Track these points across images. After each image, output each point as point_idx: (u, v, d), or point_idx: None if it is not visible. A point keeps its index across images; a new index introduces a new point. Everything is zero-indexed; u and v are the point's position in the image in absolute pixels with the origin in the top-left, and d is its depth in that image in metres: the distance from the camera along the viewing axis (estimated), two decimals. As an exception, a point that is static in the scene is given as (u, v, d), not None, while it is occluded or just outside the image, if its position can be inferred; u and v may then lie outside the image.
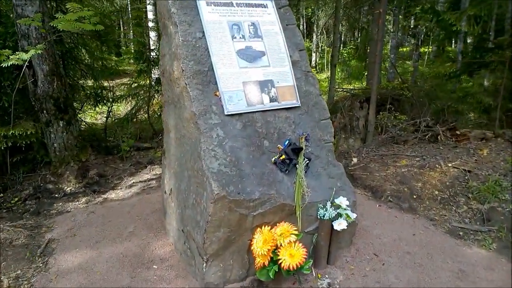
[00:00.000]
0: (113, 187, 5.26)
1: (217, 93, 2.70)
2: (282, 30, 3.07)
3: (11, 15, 4.69)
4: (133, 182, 5.35)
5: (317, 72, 18.38)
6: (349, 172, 5.23)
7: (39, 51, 3.95)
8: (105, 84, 7.22)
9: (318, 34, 19.94)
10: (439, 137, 6.00)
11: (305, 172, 2.91)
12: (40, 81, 4.84)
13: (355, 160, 5.56)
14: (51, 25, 3.80)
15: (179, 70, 2.68)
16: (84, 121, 6.79)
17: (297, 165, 2.86)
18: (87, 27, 3.91)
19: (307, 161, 2.91)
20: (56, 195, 4.97)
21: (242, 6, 2.94)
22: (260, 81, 2.87)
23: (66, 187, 5.13)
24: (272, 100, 2.89)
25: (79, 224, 3.77)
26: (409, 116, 6.93)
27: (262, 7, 3.04)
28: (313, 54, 19.94)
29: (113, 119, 7.97)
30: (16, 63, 3.75)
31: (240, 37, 2.86)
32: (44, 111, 4.98)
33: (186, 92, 2.65)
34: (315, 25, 19.75)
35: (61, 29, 3.66)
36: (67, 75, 5.81)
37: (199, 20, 2.75)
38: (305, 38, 21.36)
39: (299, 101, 3.03)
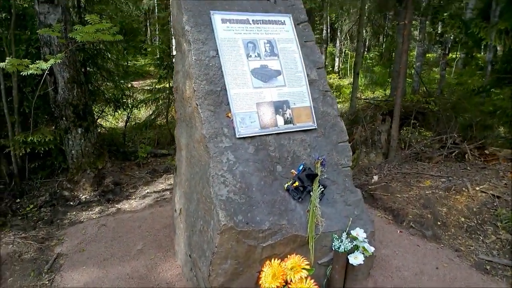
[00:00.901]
0: (127, 196, 5.24)
1: (229, 115, 2.58)
2: (299, 48, 2.92)
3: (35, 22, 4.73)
4: (147, 192, 5.31)
5: (339, 78, 18.04)
6: (369, 191, 5.01)
7: (58, 60, 3.95)
8: (129, 85, 7.24)
9: (342, 39, 19.60)
10: (466, 155, 5.68)
11: (320, 199, 2.75)
12: (61, 88, 4.87)
13: (375, 178, 5.32)
14: (69, 36, 3.79)
15: (191, 89, 2.57)
16: (103, 127, 6.82)
17: (311, 192, 2.70)
18: (107, 37, 3.89)
19: (322, 189, 2.74)
20: (71, 203, 4.99)
21: (258, 23, 2.81)
22: (275, 101, 2.73)
23: (81, 195, 5.14)
24: (287, 122, 2.74)
25: (89, 238, 3.73)
26: (435, 131, 6.60)
27: (280, 24, 2.90)
28: (336, 59, 19.60)
29: (132, 124, 8.02)
30: (35, 72, 3.76)
31: (256, 56, 2.73)
32: (64, 118, 5.01)
33: (197, 113, 2.54)
34: (339, 30, 19.41)
35: (79, 41, 3.63)
36: (88, 81, 5.85)
37: (214, 38, 2.64)
38: (329, 43, 21.04)
39: (315, 122, 2.87)
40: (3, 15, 4.74)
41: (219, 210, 2.31)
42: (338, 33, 19.56)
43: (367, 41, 20.80)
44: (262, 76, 2.72)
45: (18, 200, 5.01)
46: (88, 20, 3.49)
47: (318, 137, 2.90)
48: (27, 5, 5.01)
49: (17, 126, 4.88)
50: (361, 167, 6.03)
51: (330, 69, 19.65)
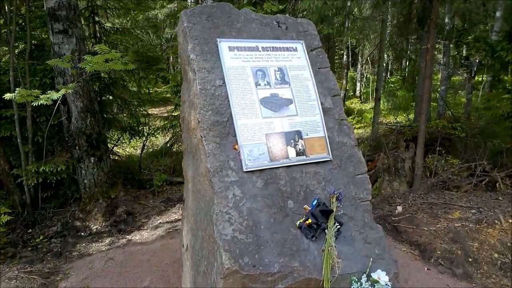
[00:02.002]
0: (139, 226, 5.10)
1: (236, 146, 2.41)
2: (312, 75, 2.76)
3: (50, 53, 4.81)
4: (160, 223, 5.16)
5: (361, 102, 17.76)
6: (393, 223, 4.68)
7: (70, 91, 3.95)
8: (144, 113, 7.26)
9: (363, 63, 19.45)
10: (497, 184, 5.28)
11: (336, 238, 2.50)
12: (74, 118, 4.89)
13: (399, 208, 4.98)
14: (79, 66, 3.80)
15: (196, 120, 2.44)
16: (117, 154, 6.82)
17: (326, 230, 2.46)
18: (117, 67, 3.88)
19: (338, 226, 2.50)
20: (82, 234, 4.90)
21: (268, 50, 2.69)
22: (286, 132, 2.55)
23: (92, 225, 5.04)
24: (299, 153, 2.55)
25: (95, 273, 3.58)
26: (462, 159, 6.21)
27: (291, 51, 2.76)
28: (358, 84, 19.40)
29: (149, 151, 8.00)
30: (46, 102, 3.76)
31: (265, 84, 2.59)
32: (77, 147, 5.01)
33: (201, 145, 2.40)
34: (359, 55, 19.31)
35: (88, 71, 3.62)
36: (104, 110, 5.89)
37: (220, 66, 2.52)
38: (350, 67, 20.94)
39: (330, 154, 2.66)
40: (22, 46, 4.86)
41: (223, 251, 2.11)
42: (359, 58, 19.45)
43: (389, 65, 20.56)
44: (272, 105, 2.56)
45: (29, 230, 4.96)
46: (97, 50, 3.48)
47: (333, 170, 2.68)
48: (46, 36, 5.13)
49: (31, 155, 4.90)
50: (384, 196, 5.70)
51: (352, 93, 19.45)
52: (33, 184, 4.70)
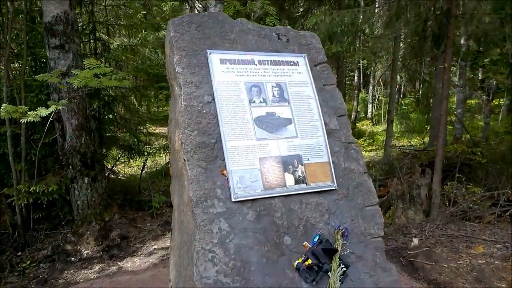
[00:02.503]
0: (132, 252, 4.77)
1: (225, 172, 2.09)
2: (315, 92, 2.45)
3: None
4: (155, 249, 4.82)
5: (373, 124, 17.34)
6: (408, 257, 4.23)
7: (60, 107, 3.73)
8: (152, 130, 7.02)
9: (375, 84, 19.12)
10: (525, 216, 4.79)
11: (341, 282, 2.12)
12: (68, 136, 4.67)
13: (416, 241, 4.53)
14: (68, 82, 3.59)
15: (179, 141, 2.14)
16: (117, 174, 6.56)
17: (329, 273, 2.08)
18: (110, 83, 3.67)
19: (344, 268, 2.12)
20: (72, 259, 4.59)
21: (266, 64, 2.40)
22: (283, 156, 2.22)
23: (84, 250, 4.73)
24: (298, 181, 2.21)
25: (74, 307, 3.24)
26: (484, 186, 5.74)
27: (292, 65, 2.47)
28: (369, 106, 19.02)
29: (152, 170, 7.74)
30: (34, 119, 3.55)
31: (261, 101, 2.29)
32: (70, 166, 4.76)
33: (185, 170, 2.09)
34: (371, 76, 19.02)
35: (76, 86, 3.40)
36: (102, 128, 5.68)
37: (210, 81, 2.24)
38: (362, 88, 20.63)
39: (335, 182, 2.31)
40: (19, 62, 4.72)
41: (202, 300, 1.76)
42: (371, 79, 19.16)
43: (402, 87, 20.17)
44: (268, 126, 2.25)
45: (19, 253, 4.68)
46: (86, 65, 3.26)
47: (339, 200, 2.33)
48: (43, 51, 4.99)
49: (24, 174, 4.67)
50: (398, 226, 5.25)
51: (363, 115, 19.06)
52: (23, 204, 4.45)
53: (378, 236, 2.40)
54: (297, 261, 2.07)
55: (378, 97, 19.28)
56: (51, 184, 4.55)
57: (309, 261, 2.06)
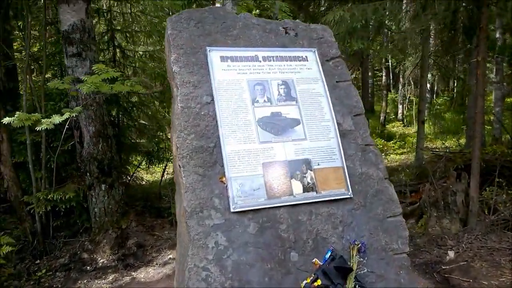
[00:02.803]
0: (148, 262, 4.66)
1: (224, 179, 1.89)
2: (327, 90, 2.21)
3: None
4: (170, 258, 4.67)
5: (404, 126, 16.59)
6: (443, 272, 3.84)
7: (74, 114, 3.70)
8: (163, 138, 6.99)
9: (405, 83, 18.33)
10: None
11: (358, 305, 1.85)
12: (86, 143, 4.65)
13: (451, 254, 4.12)
14: (78, 88, 3.54)
15: (175, 146, 1.96)
16: (135, 181, 6.54)
17: (343, 294, 1.82)
18: (122, 88, 3.60)
19: (361, 289, 1.85)
20: (88, 267, 4.53)
21: (270, 61, 2.19)
22: (290, 161, 1.99)
23: (100, 258, 4.67)
24: (307, 189, 1.97)
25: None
26: (529, 191, 5.19)
27: (300, 60, 2.24)
28: (400, 106, 18.25)
29: (171, 177, 7.69)
30: (47, 127, 3.53)
31: (265, 101, 2.08)
32: (88, 174, 4.74)
33: (181, 177, 1.90)
34: (401, 76, 18.28)
35: (85, 92, 3.34)
36: (121, 134, 5.66)
37: (210, 80, 2.05)
38: (391, 89, 19.86)
39: (350, 189, 2.05)
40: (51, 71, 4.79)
41: (192, 325, 1.56)
42: (400, 78, 18.41)
43: (435, 85, 19.23)
44: (273, 127, 2.03)
45: (37, 261, 4.68)
46: (94, 70, 3.19)
47: (354, 210, 2.06)
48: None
49: (44, 181, 4.69)
50: (431, 236, 4.82)
51: (393, 116, 18.32)
52: (41, 212, 4.46)
53: (402, 252, 2.11)
54: (305, 281, 1.82)
55: (409, 97, 18.46)
56: (68, 191, 4.55)
57: (319, 282, 1.81)
